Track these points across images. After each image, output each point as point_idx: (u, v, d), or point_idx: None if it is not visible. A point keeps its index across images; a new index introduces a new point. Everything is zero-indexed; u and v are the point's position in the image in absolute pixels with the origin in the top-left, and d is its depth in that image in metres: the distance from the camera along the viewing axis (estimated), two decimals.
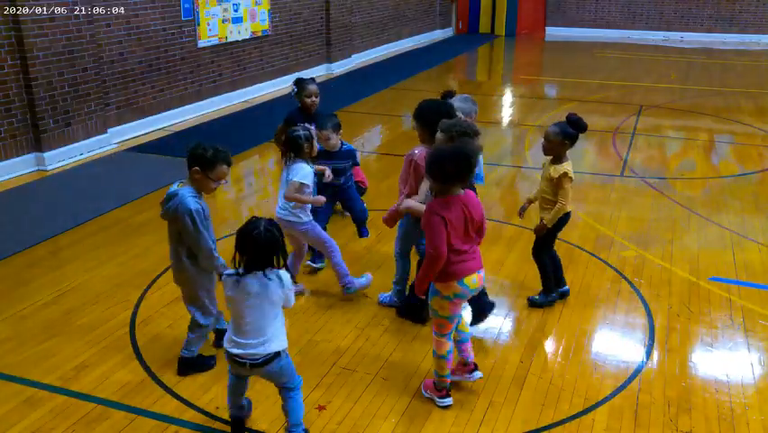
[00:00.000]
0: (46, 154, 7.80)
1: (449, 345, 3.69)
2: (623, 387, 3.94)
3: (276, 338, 3.26)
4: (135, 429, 3.57)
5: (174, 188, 3.77)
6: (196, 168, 3.68)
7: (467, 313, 4.46)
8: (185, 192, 3.71)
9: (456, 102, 4.84)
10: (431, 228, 3.42)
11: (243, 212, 6.72)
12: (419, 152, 4.26)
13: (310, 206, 4.74)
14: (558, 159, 4.50)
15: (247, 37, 11.51)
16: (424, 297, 3.68)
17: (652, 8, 19.88)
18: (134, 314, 4.68)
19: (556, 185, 4.48)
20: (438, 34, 20.36)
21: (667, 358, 4.22)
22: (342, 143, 5.28)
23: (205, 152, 3.66)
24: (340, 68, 14.48)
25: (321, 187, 5.05)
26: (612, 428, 3.61)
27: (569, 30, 20.70)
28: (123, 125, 9.08)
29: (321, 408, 3.73)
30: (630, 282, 5.15)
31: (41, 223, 6.23)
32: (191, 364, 4.01)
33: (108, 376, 4.00)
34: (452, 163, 3.38)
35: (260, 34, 11.83)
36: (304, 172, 4.56)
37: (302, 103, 5.63)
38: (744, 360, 4.23)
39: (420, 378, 3.99)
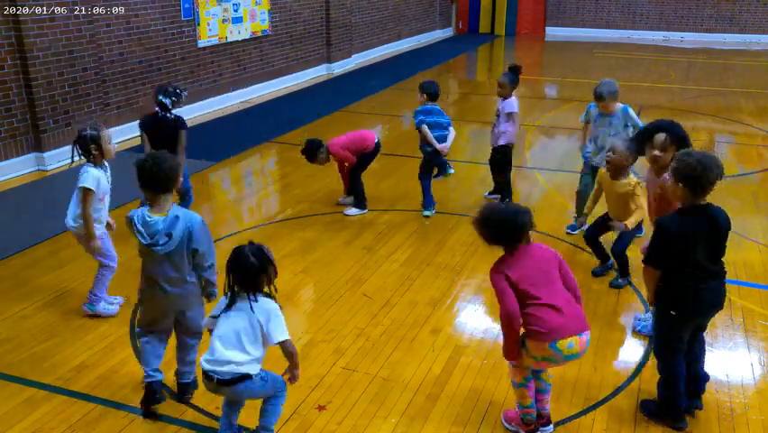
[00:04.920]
0: (46, 154, 7.80)
1: (526, 373, 3.37)
2: (623, 387, 3.95)
3: (249, 363, 3.12)
4: (135, 429, 3.57)
5: (170, 213, 3.54)
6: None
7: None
8: (183, 210, 3.58)
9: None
10: (495, 289, 3.21)
11: (243, 212, 6.70)
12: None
13: (104, 217, 4.35)
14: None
15: (247, 37, 11.51)
16: (515, 362, 3.35)
17: (652, 8, 19.87)
18: (134, 314, 4.67)
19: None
20: (438, 34, 20.36)
21: None
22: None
23: (170, 170, 3.67)
24: (340, 68, 14.48)
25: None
26: (612, 428, 3.61)
27: (569, 30, 20.70)
28: (123, 125, 9.08)
29: (321, 408, 3.73)
30: (630, 282, 5.15)
31: (40, 223, 6.23)
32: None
33: (108, 376, 4.01)
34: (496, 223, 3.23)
35: (260, 34, 11.83)
36: (86, 176, 4.30)
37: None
38: (744, 360, 4.23)
39: (420, 378, 4.00)
